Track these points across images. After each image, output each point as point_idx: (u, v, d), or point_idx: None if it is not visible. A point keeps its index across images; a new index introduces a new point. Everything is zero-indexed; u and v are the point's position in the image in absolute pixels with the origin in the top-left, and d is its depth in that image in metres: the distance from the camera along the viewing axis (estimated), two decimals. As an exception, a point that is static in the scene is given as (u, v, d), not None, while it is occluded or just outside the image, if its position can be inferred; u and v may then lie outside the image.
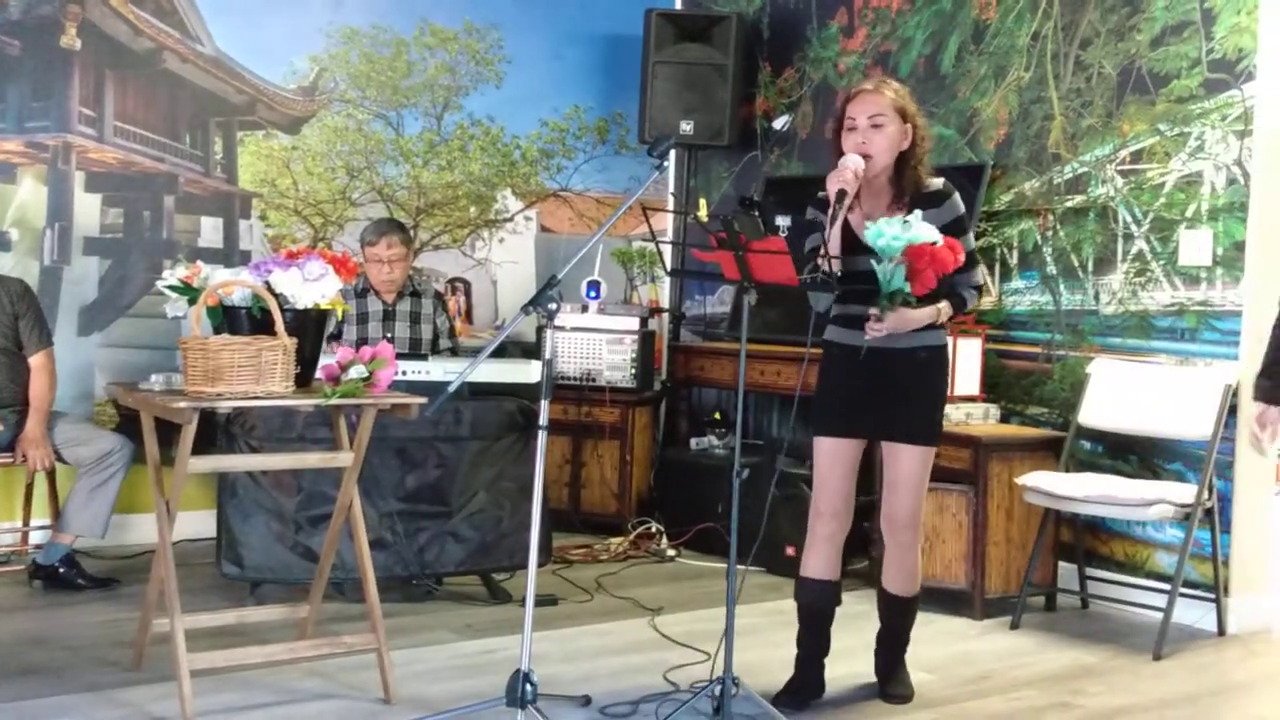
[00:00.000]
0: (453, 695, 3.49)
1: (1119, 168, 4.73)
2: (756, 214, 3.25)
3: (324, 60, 5.69)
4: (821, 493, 3.55)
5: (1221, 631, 4.36)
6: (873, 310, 3.32)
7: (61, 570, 4.46)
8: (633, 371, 5.70)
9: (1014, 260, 5.05)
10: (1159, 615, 4.21)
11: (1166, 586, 4.29)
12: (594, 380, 5.70)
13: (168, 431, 3.29)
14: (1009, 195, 5.07)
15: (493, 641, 4.03)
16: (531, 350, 5.70)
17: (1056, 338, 4.91)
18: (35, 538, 4.72)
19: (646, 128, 5.95)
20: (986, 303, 5.09)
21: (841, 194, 3.28)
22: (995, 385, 4.97)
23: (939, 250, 3.24)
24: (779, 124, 6.10)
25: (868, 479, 3.65)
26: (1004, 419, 4.92)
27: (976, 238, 5.01)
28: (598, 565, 5.14)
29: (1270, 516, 4.58)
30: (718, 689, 3.27)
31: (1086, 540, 4.72)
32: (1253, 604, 4.44)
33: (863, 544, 4.78)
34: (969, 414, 4.75)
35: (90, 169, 5.18)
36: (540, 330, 5.58)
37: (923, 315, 3.37)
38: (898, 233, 3.23)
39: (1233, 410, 4.33)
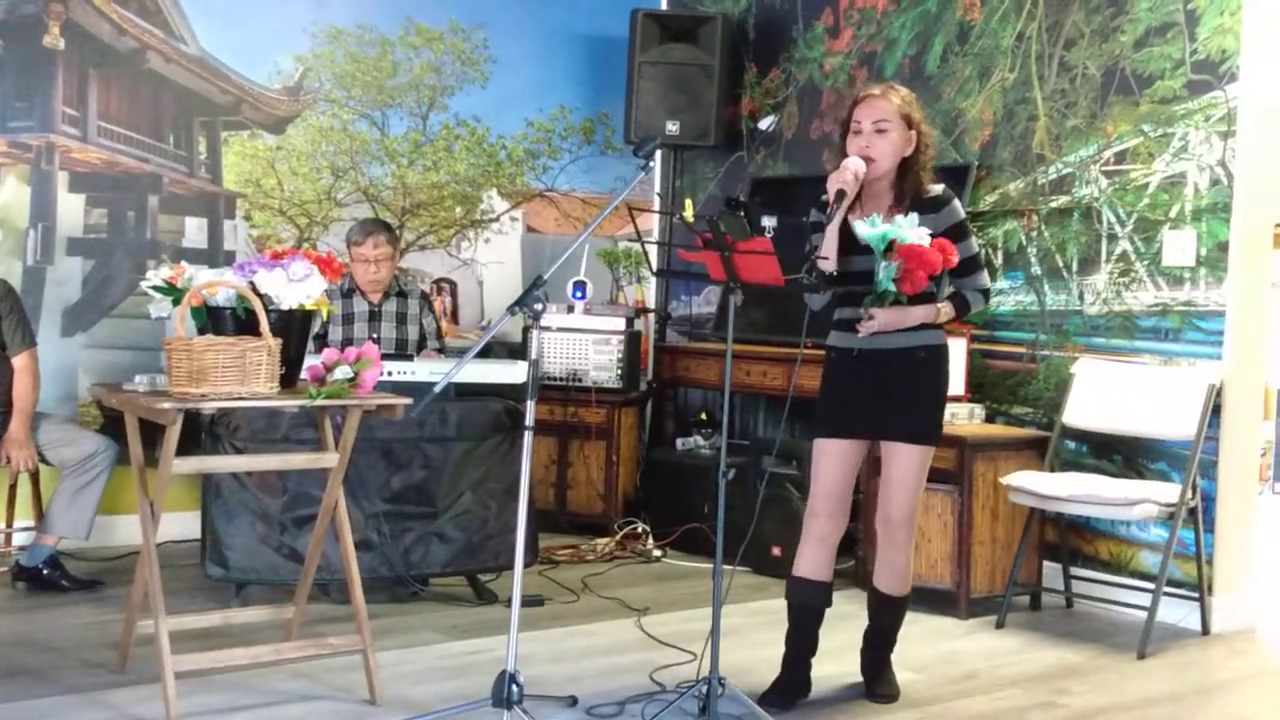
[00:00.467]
0: (439, 696, 3.48)
1: (1103, 168, 4.75)
2: (742, 214, 3.26)
3: (309, 60, 5.67)
4: (818, 493, 3.56)
5: (1205, 631, 4.37)
6: (863, 314, 3.37)
7: (45, 572, 4.44)
8: (619, 372, 5.70)
9: (999, 261, 5.06)
10: (1143, 614, 4.22)
11: (1151, 586, 4.31)
12: (580, 381, 5.70)
13: (152, 433, 3.28)
14: (994, 196, 5.09)
15: (479, 642, 4.02)
16: (517, 351, 5.70)
17: (1041, 338, 4.93)
18: (19, 539, 4.69)
19: (632, 128, 5.95)
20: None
21: (840, 194, 3.31)
22: (980, 385, 4.98)
23: (928, 251, 3.27)
24: (765, 124, 6.11)
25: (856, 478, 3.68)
26: (989, 419, 4.93)
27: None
28: (584, 566, 5.14)
29: (1254, 516, 4.60)
30: (704, 689, 3.27)
31: (1071, 540, 4.74)
32: (1236, 603, 4.47)
33: (849, 544, 4.78)
34: (954, 414, 4.76)
35: (74, 169, 5.16)
36: (526, 331, 5.58)
37: (917, 313, 3.41)
38: (887, 229, 3.28)
39: (1216, 410, 4.35)
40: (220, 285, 3.29)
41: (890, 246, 3.29)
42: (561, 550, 5.26)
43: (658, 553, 5.36)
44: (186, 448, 3.46)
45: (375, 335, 4.92)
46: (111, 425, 4.60)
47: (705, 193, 6.37)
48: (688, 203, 3.39)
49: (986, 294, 3.56)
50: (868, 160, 3.40)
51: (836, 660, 3.78)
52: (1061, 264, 4.87)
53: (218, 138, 5.50)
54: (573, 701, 3.47)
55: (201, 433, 4.18)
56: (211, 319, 3.32)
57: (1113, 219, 4.72)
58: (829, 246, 3.34)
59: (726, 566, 3.32)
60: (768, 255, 3.21)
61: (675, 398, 6.14)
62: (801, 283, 3.27)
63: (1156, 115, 4.59)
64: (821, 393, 3.60)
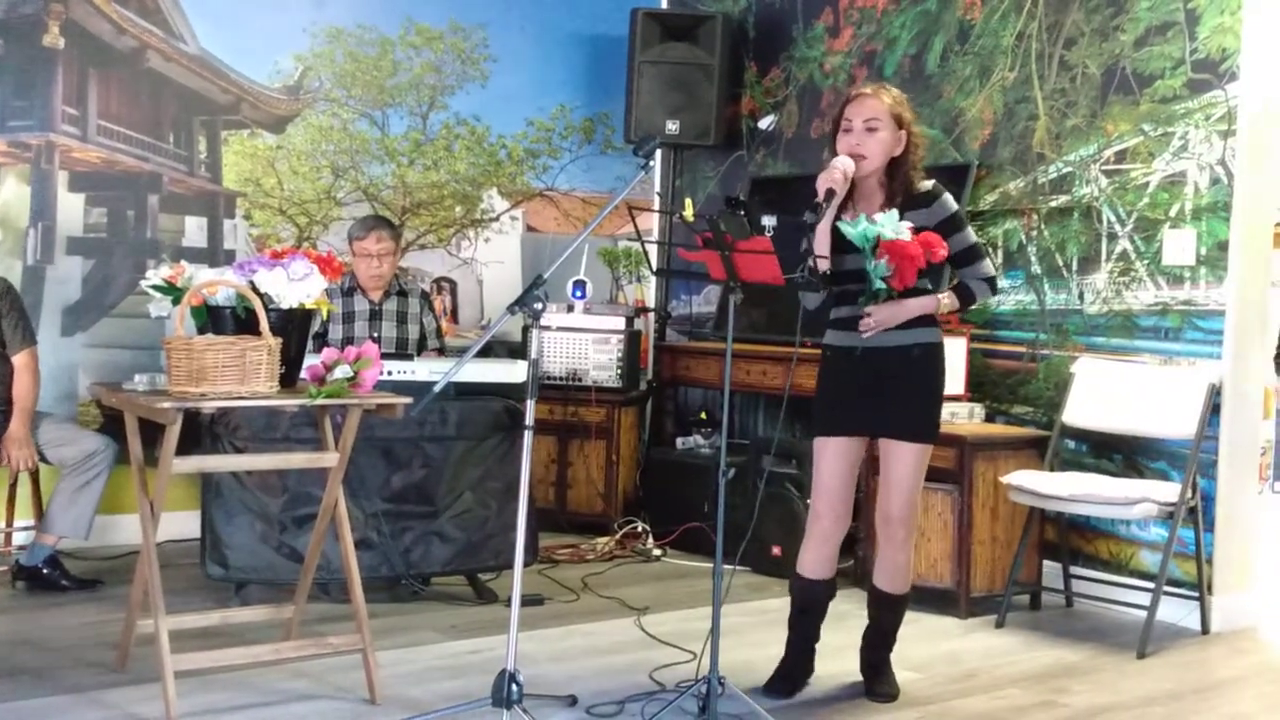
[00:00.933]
0: (438, 696, 3.48)
1: (1103, 167, 4.75)
2: (742, 214, 3.26)
3: (308, 59, 5.67)
4: (820, 493, 3.57)
5: (1205, 630, 4.38)
6: (862, 314, 3.40)
7: (45, 571, 4.44)
8: (619, 371, 5.70)
9: (999, 260, 5.06)
10: (1143, 614, 4.23)
11: (1150, 585, 4.31)
12: (580, 380, 5.70)
13: (152, 432, 3.27)
14: (994, 195, 5.09)
15: (479, 642, 4.02)
16: (517, 350, 5.70)
17: (1041, 337, 4.93)
18: (19, 539, 4.69)
19: (632, 127, 5.95)
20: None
21: (830, 193, 3.32)
22: (980, 384, 4.98)
23: (908, 245, 3.32)
24: (765, 124, 6.11)
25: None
26: (989, 418, 4.93)
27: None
28: (584, 565, 5.14)
29: (1253, 515, 4.60)
30: (704, 688, 3.27)
31: (1071, 539, 4.74)
32: (1236, 602, 4.47)
33: (849, 543, 4.78)
34: (954, 413, 4.76)
35: (74, 168, 5.16)
36: (526, 330, 5.57)
37: (916, 305, 3.43)
38: (867, 227, 3.32)
39: (1216, 409, 4.35)
40: (220, 284, 3.29)
41: (877, 244, 3.32)
42: (561, 549, 5.26)
43: (657, 552, 5.36)
44: (186, 447, 3.46)
45: (376, 334, 4.92)
46: (111, 424, 4.60)
47: (705, 192, 6.37)
48: (688, 202, 3.39)
49: (992, 282, 3.56)
50: (857, 158, 3.42)
51: (837, 659, 3.78)
52: (1061, 263, 4.87)
53: (218, 137, 5.49)
54: (572, 701, 3.47)
55: (201, 432, 4.18)
56: (211, 318, 3.31)
57: (1113, 218, 4.72)
58: (822, 246, 3.35)
59: (726, 566, 3.32)
60: (768, 255, 3.21)
61: (675, 397, 6.14)
62: (799, 282, 3.28)
63: (1157, 114, 4.59)
64: (819, 392, 3.61)
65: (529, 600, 4.39)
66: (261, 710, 3.38)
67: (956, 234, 3.45)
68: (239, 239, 5.53)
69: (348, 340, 4.82)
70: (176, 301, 3.35)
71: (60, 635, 3.96)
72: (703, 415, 5.92)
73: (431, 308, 5.18)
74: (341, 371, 3.26)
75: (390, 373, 4.19)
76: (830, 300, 3.51)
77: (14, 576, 4.48)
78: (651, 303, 6.46)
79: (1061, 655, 4.12)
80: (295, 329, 3.38)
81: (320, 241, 5.64)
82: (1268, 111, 4.43)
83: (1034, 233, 4.96)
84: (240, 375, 3.14)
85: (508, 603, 3.20)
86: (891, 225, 3.32)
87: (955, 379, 4.82)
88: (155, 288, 3.45)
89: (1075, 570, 4.71)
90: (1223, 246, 4.41)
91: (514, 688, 3.08)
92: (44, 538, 4.43)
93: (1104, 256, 4.74)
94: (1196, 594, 4.38)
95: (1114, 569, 4.65)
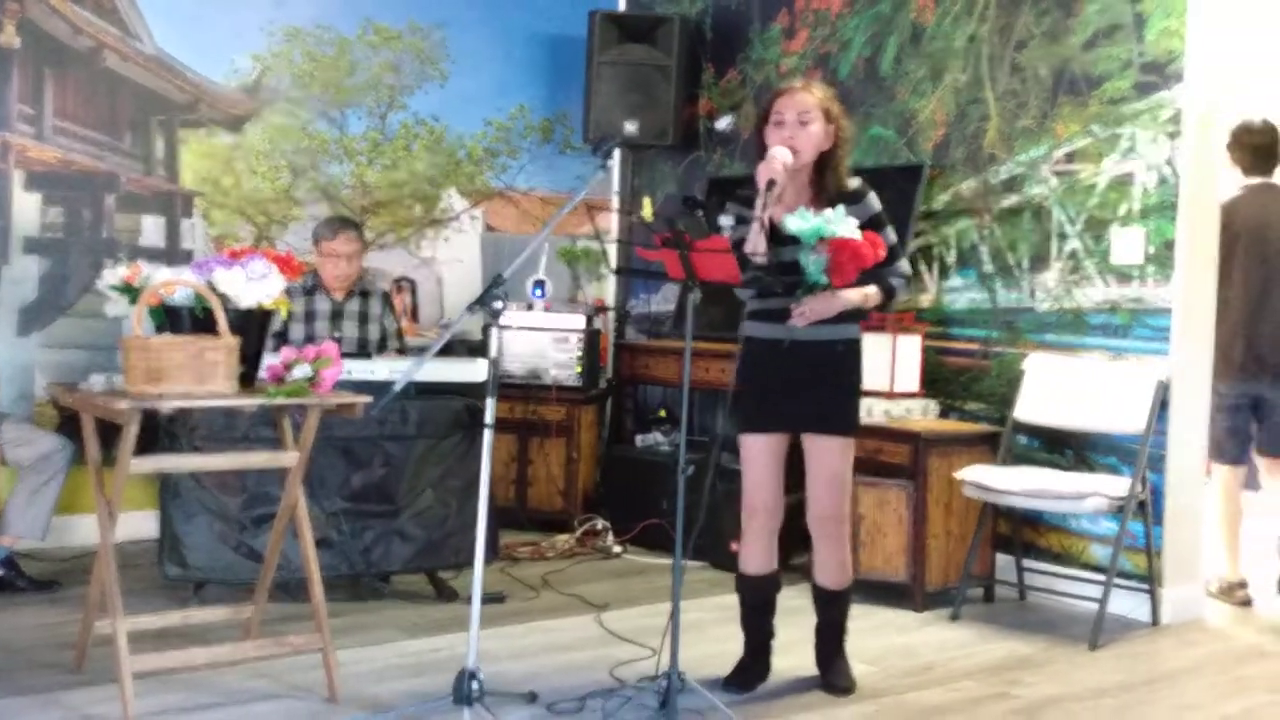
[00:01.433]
0: (399, 694, 3.49)
1: (1053, 168, 4.82)
2: (700, 214, 3.29)
3: (266, 59, 5.65)
4: (752, 489, 3.62)
5: (1155, 621, 4.45)
6: (795, 306, 3.41)
7: (1, 573, 4.41)
8: (578, 369, 5.72)
9: (951, 259, 5.13)
10: (1095, 606, 4.30)
11: (1101, 578, 4.38)
12: (540, 378, 5.72)
13: (109, 432, 3.27)
14: (946, 195, 5.15)
15: (439, 640, 4.03)
16: (478, 349, 5.70)
17: (993, 334, 5.00)
18: (-26, 541, 4.65)
19: (591, 128, 5.97)
20: (925, 300, 5.17)
21: (771, 184, 3.36)
22: (934, 381, 5.04)
23: (860, 245, 3.35)
24: (722, 124, 6.14)
25: (798, 477, 3.72)
26: (943, 414, 5.00)
27: (915, 236, 5.11)
28: (544, 562, 5.15)
29: (1201, 508, 4.69)
30: (664, 684, 3.30)
31: (1024, 533, 4.81)
32: (1185, 594, 4.55)
33: (804, 539, 4.83)
34: (909, 409, 4.82)
35: (30, 168, 5.12)
36: (486, 329, 5.58)
37: (847, 298, 3.47)
38: (819, 222, 3.34)
39: (1164, 405, 4.43)
40: (178, 284, 3.29)
41: (820, 239, 3.35)
42: (522, 547, 5.27)
43: (618, 549, 5.39)
44: (144, 447, 3.45)
45: (337, 334, 4.91)
46: (68, 424, 4.57)
47: (663, 192, 6.39)
48: (646, 201, 3.42)
49: (909, 280, 3.64)
50: (792, 151, 3.45)
51: (794, 654, 3.82)
52: (1013, 262, 4.94)
53: (175, 136, 5.47)
54: (533, 698, 3.48)
55: (159, 432, 4.16)
56: (169, 318, 3.31)
57: (1063, 218, 4.80)
58: (759, 240, 3.38)
59: (685, 562, 3.35)
60: (725, 254, 3.24)
61: (635, 395, 6.17)
62: (760, 279, 3.31)
63: (1105, 116, 4.66)
64: (743, 386, 3.61)
65: (490, 598, 4.40)
66: (221, 710, 3.38)
67: (881, 231, 3.50)
68: (197, 238, 5.50)
69: (309, 340, 4.81)
70: (134, 301, 3.33)
71: (17, 636, 3.94)
72: (662, 413, 5.95)
73: (392, 309, 5.18)
74: (301, 371, 3.26)
75: (350, 372, 4.19)
76: (754, 292, 3.54)
77: (-30, 579, 4.45)
78: (611, 301, 6.48)
79: (1015, 647, 4.18)
80: (254, 328, 3.37)
81: (279, 241, 5.63)
82: (1212, 113, 4.51)
83: (986, 232, 5.03)
84: (198, 375, 3.13)
85: (468, 601, 3.22)
86: (841, 222, 3.37)
87: (910, 376, 4.88)
88: (112, 287, 3.43)
89: (1028, 563, 4.78)
90: (1169, 245, 4.49)
91: (474, 685, 3.10)
92: (0, 539, 4.40)
93: (1054, 255, 4.81)
94: (1147, 586, 4.46)
95: (1066, 562, 4.73)
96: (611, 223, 6.50)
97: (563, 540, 5.40)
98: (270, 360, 3.31)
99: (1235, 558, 4.87)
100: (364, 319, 5.00)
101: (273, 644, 3.54)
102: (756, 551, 3.65)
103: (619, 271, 6.44)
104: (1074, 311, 4.75)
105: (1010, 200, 4.95)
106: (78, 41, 5.19)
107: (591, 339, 5.77)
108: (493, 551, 4.58)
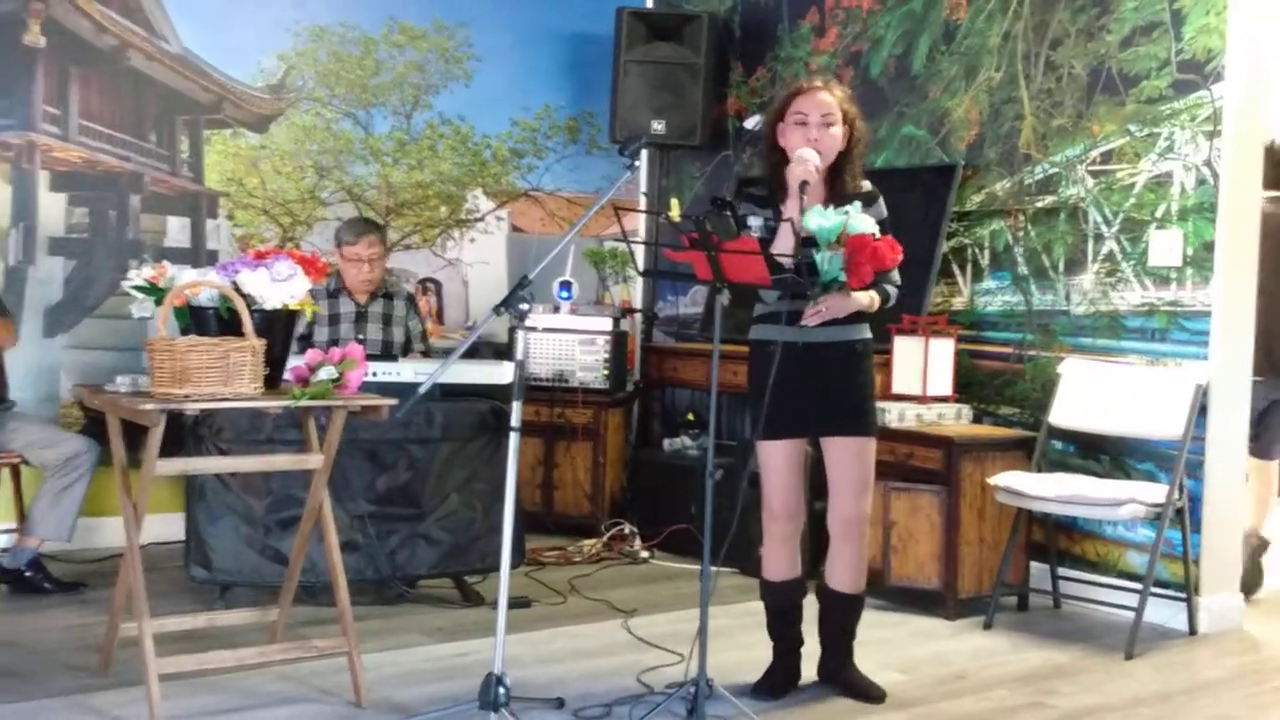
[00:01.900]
0: (425, 699, 3.47)
1: (1089, 168, 4.75)
2: (729, 214, 3.25)
3: (291, 58, 5.64)
4: (773, 495, 3.57)
5: (1193, 631, 4.38)
6: (810, 305, 3.37)
7: (28, 574, 4.41)
8: (605, 372, 5.68)
9: (985, 261, 5.06)
10: (1130, 615, 4.23)
11: (1138, 586, 4.31)
12: (566, 381, 5.68)
13: (135, 434, 3.25)
14: (980, 195, 5.09)
15: (465, 644, 4.00)
16: (503, 351, 5.67)
17: (1028, 338, 4.93)
18: (1, 541, 4.66)
19: (618, 127, 5.93)
20: (958, 303, 5.12)
21: (804, 185, 3.32)
22: (967, 385, 4.98)
23: (880, 246, 3.33)
24: (751, 124, 6.10)
25: (820, 482, 3.67)
26: (976, 419, 4.93)
27: (949, 238, 5.06)
28: (571, 567, 5.12)
29: (1240, 516, 4.61)
30: (692, 690, 3.26)
31: (1058, 540, 4.74)
32: (1223, 603, 4.47)
33: (827, 547, 4.79)
34: (941, 414, 4.76)
35: (55, 168, 5.12)
36: (512, 331, 5.55)
37: (860, 299, 3.43)
38: (839, 220, 3.32)
39: (1203, 410, 4.36)
40: (203, 285, 3.27)
41: (839, 237, 3.31)
42: (548, 552, 5.24)
43: (645, 554, 5.35)
44: (169, 449, 3.43)
45: (361, 336, 4.89)
46: (93, 426, 4.57)
47: (691, 192, 6.36)
48: (674, 202, 3.37)
49: (901, 290, 3.59)
50: (818, 153, 3.42)
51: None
52: (1048, 264, 4.87)
53: (200, 136, 5.46)
54: (560, 703, 3.46)
55: (185, 434, 4.15)
56: (194, 319, 3.29)
57: (1099, 219, 4.72)
58: (790, 242, 3.33)
59: (713, 568, 3.31)
60: (754, 255, 3.20)
61: (662, 398, 6.13)
62: (789, 283, 3.27)
63: (1143, 115, 4.59)
64: (757, 390, 3.52)
65: (516, 603, 4.36)
66: (246, 713, 3.36)
67: (885, 237, 3.46)
68: (222, 239, 5.49)
69: (333, 342, 4.79)
70: (159, 302, 3.32)
71: (43, 639, 3.93)
72: (690, 416, 5.90)
73: (417, 310, 5.15)
74: (326, 373, 3.24)
75: (375, 374, 4.16)
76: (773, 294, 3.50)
77: (-5, 580, 4.44)
78: (638, 303, 6.45)
79: (1049, 656, 4.12)
80: (279, 330, 3.35)
81: (304, 242, 5.61)
82: (1253, 112, 4.43)
83: (1020, 233, 4.96)
84: (224, 376, 3.11)
85: (494, 605, 3.19)
86: (861, 221, 3.33)
87: (942, 380, 4.82)
88: (137, 288, 3.41)
89: (1062, 571, 4.71)
90: (1209, 247, 4.42)
91: (501, 690, 3.07)
92: (26, 541, 4.40)
93: (1090, 257, 4.74)
94: (1184, 595, 4.39)
95: (1101, 570, 4.66)
96: (639, 224, 6.46)
97: (589, 545, 5.37)
98: (295, 362, 3.29)
99: (1261, 511, 4.91)
100: (388, 321, 4.97)
101: (298, 647, 3.53)
102: (778, 557, 3.61)
103: (646, 273, 6.40)
104: (1110, 314, 4.68)
105: (1045, 201, 4.88)
106: (102, 41, 5.19)
107: (618, 341, 5.73)
108: (519, 556, 4.55)
